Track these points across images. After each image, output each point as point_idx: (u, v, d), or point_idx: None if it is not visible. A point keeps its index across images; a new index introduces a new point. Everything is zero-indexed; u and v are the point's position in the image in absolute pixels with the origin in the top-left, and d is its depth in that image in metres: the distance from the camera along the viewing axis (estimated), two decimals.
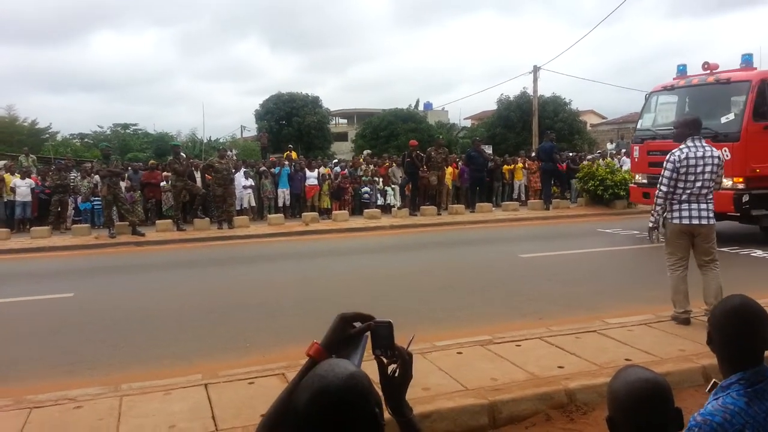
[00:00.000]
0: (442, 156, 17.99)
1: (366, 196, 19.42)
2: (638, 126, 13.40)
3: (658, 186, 6.02)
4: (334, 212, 17.46)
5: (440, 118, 49.16)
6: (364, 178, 19.73)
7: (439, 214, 17.32)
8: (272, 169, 18.86)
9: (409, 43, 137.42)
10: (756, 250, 10.86)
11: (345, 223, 15.97)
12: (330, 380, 1.26)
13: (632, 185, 13.78)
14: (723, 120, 11.14)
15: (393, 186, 19.91)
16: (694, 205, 5.89)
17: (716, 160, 5.86)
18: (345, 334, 1.59)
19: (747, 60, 11.76)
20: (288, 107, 41.19)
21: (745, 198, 10.84)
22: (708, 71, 11.85)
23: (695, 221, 5.92)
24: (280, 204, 18.58)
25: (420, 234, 14.64)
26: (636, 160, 13.32)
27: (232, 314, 7.44)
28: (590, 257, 11.02)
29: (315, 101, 42.89)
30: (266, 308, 7.65)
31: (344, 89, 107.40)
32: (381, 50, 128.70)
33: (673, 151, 5.93)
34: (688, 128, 5.94)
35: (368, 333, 1.59)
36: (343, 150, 46.11)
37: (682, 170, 5.82)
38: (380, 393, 1.40)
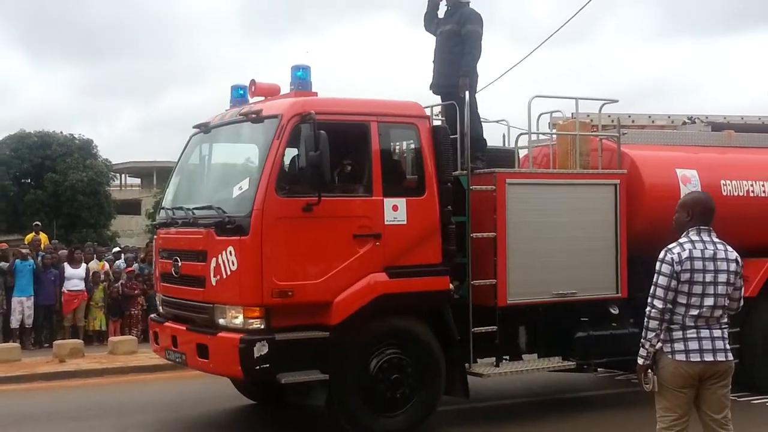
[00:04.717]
0: None
1: None
2: (163, 202, 8.68)
3: (649, 301, 4.69)
4: (111, 338, 13.35)
5: None
6: None
7: None
8: (2, 263, 14.58)
9: (262, 55, 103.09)
10: None
11: (131, 358, 11.99)
12: None
13: (151, 319, 8.56)
14: (236, 192, 7.16)
15: None
16: (705, 332, 4.61)
17: (733, 266, 4.66)
18: None
19: (300, 78, 7.32)
20: (37, 156, 32.09)
21: (263, 349, 6.45)
22: (261, 98, 7.65)
23: (708, 357, 4.59)
24: (15, 324, 14.13)
25: None
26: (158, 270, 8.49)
27: None
28: None
29: (86, 147, 34.33)
30: None
31: (141, 129, 79.09)
32: (216, 64, 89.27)
33: (670, 247, 4.68)
34: (688, 212, 4.73)
35: None
36: (132, 229, 39.40)
37: (684, 277, 4.54)
38: None
